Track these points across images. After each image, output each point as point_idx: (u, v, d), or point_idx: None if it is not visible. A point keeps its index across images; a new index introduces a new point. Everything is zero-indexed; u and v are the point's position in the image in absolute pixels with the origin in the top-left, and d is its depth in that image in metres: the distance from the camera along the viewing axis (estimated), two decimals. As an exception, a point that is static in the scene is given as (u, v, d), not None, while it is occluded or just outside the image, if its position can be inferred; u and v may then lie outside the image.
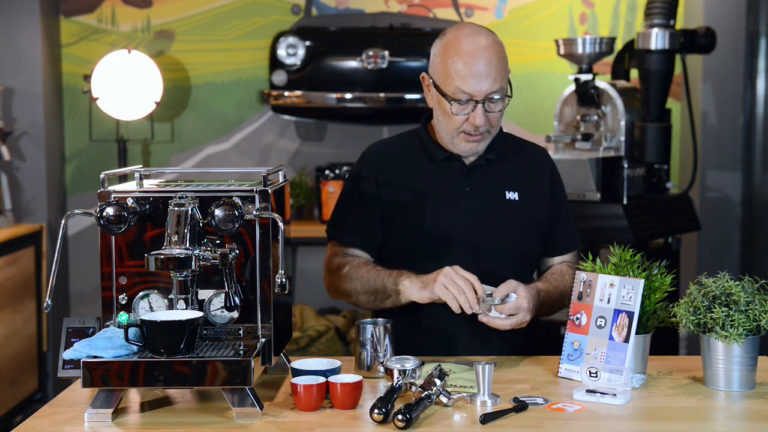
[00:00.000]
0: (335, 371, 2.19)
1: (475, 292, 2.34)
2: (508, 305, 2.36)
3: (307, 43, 4.90)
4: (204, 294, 2.17)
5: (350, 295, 2.58)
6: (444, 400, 2.08)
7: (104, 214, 2.09)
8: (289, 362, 2.31)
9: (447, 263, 2.51)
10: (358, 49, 4.84)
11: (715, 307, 2.17)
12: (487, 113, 2.47)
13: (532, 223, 2.61)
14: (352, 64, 4.87)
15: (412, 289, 2.44)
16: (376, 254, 2.63)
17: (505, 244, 2.57)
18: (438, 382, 2.06)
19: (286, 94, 4.87)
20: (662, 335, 2.41)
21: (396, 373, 2.15)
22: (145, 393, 2.18)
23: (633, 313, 2.23)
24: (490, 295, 2.36)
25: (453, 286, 2.34)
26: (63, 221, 2.12)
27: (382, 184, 2.60)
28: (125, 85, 4.73)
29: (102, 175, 2.21)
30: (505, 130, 2.70)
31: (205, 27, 5.14)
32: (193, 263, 2.06)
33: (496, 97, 2.46)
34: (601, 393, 2.13)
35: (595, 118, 4.13)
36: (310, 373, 2.17)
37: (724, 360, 2.18)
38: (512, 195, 2.59)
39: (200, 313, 2.08)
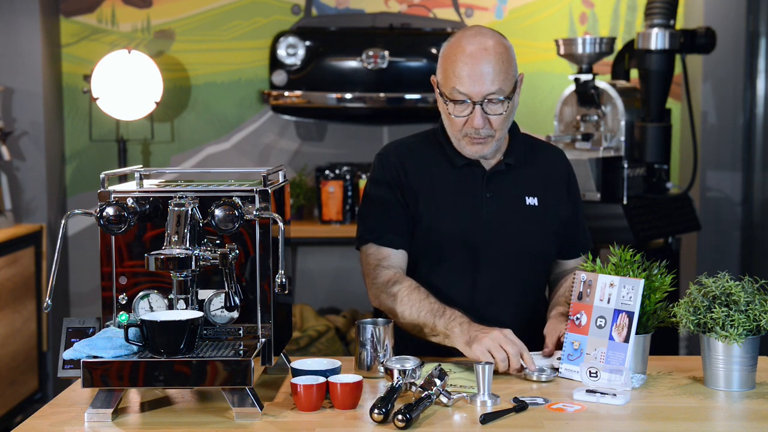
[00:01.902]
0: (335, 371, 2.19)
1: (523, 359, 2.28)
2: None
3: (307, 43, 4.90)
4: (204, 294, 2.17)
5: (396, 317, 2.48)
6: (444, 400, 2.08)
7: (104, 214, 2.09)
8: (289, 362, 2.31)
9: (467, 269, 2.51)
10: (358, 49, 4.84)
11: (715, 307, 2.17)
12: (487, 116, 2.44)
13: (550, 227, 2.59)
14: (352, 64, 4.87)
15: (459, 340, 2.35)
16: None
17: (526, 249, 2.56)
18: (438, 382, 2.06)
19: (286, 94, 4.87)
20: (662, 335, 2.41)
21: (396, 373, 2.15)
22: (145, 393, 2.18)
23: (633, 313, 2.23)
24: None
25: (498, 352, 2.26)
26: (63, 221, 2.12)
27: (405, 187, 2.56)
28: (125, 85, 4.73)
29: (102, 175, 2.21)
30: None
31: (205, 27, 5.15)
32: (193, 263, 2.06)
33: (495, 99, 2.43)
34: (601, 393, 2.12)
35: (595, 118, 4.13)
36: (310, 373, 2.17)
37: (724, 360, 2.18)
38: (532, 200, 2.57)
39: (200, 313, 2.08)
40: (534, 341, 2.52)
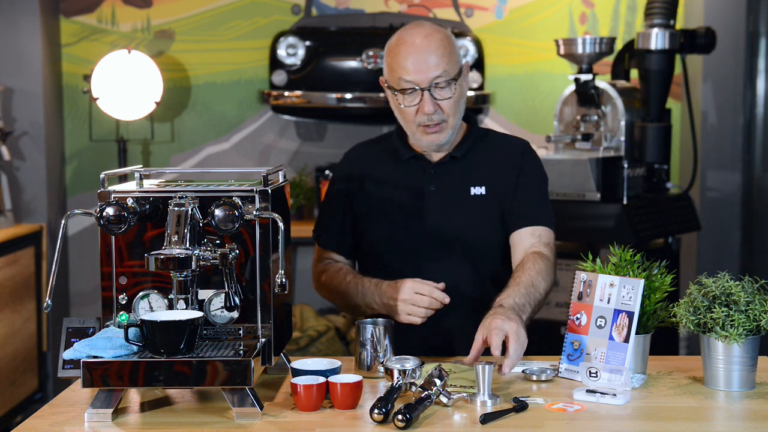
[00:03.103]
0: (335, 371, 2.19)
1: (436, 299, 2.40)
2: (508, 363, 2.20)
3: (307, 43, 4.90)
4: (204, 294, 2.17)
5: (339, 307, 2.69)
6: (444, 400, 2.08)
7: (104, 214, 2.09)
8: (289, 362, 2.31)
9: (417, 263, 2.54)
10: (358, 49, 4.84)
11: (715, 307, 2.17)
12: (437, 101, 2.48)
13: (498, 215, 2.58)
14: (352, 64, 4.87)
15: (383, 311, 2.48)
16: (352, 256, 2.68)
17: (471, 240, 2.56)
18: (438, 382, 2.06)
19: (286, 94, 4.87)
20: (662, 335, 2.41)
21: (396, 373, 2.15)
22: (145, 393, 2.18)
23: (633, 313, 2.23)
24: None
25: (418, 311, 2.40)
26: (63, 221, 2.12)
27: (354, 187, 2.64)
28: (125, 85, 4.73)
29: (102, 175, 2.21)
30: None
31: (205, 27, 5.15)
32: (193, 263, 2.06)
33: (442, 82, 2.47)
34: (601, 393, 2.12)
35: (595, 118, 4.13)
36: (310, 373, 2.17)
37: (724, 360, 2.18)
38: (478, 190, 2.58)
39: (200, 313, 2.08)
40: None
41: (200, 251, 2.09)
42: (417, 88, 2.47)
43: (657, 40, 4.10)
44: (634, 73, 4.37)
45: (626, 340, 2.22)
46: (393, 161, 2.63)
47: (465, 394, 2.12)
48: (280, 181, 2.34)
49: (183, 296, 2.12)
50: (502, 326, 2.19)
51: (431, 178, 2.59)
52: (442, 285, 2.41)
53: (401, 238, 2.58)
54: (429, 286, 2.40)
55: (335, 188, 2.68)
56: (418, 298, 2.40)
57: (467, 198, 2.58)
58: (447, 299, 2.39)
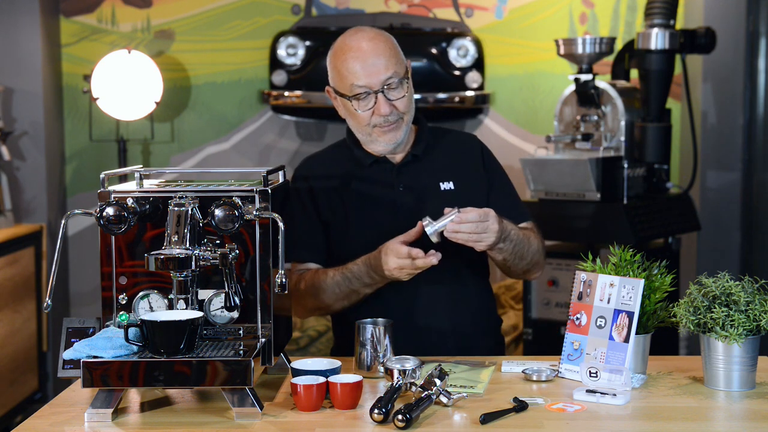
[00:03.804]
0: (335, 371, 2.19)
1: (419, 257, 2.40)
2: (465, 215, 2.34)
3: (307, 43, 4.90)
4: (204, 294, 2.17)
5: (327, 308, 2.58)
6: (444, 400, 2.08)
7: (104, 214, 2.09)
8: (289, 362, 2.31)
9: None
10: (358, 49, 4.84)
11: (715, 307, 2.17)
12: (391, 101, 2.50)
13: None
14: (352, 64, 4.86)
15: (385, 281, 2.45)
16: (328, 264, 2.62)
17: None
18: (438, 382, 2.07)
19: (286, 94, 4.87)
20: (662, 335, 2.41)
21: (396, 373, 2.16)
22: (145, 393, 2.18)
23: (633, 313, 2.23)
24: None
25: (410, 271, 2.38)
26: (63, 221, 2.12)
27: (318, 198, 2.61)
28: (125, 85, 4.73)
29: (102, 175, 2.21)
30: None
31: (205, 27, 5.15)
32: (193, 263, 2.06)
33: (394, 83, 2.49)
34: (601, 393, 2.13)
35: (595, 118, 4.13)
36: (310, 373, 2.17)
37: (724, 360, 2.18)
38: (447, 185, 2.60)
39: (200, 313, 2.08)
40: (478, 329, 2.57)
41: (200, 251, 2.09)
42: (370, 91, 2.49)
43: (657, 40, 4.10)
44: (634, 73, 4.37)
45: (626, 340, 2.22)
46: (355, 168, 2.62)
47: (465, 394, 2.12)
48: (280, 181, 2.34)
49: (183, 296, 2.12)
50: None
51: (399, 179, 2.59)
52: (417, 251, 2.38)
53: (379, 241, 2.52)
54: (402, 251, 2.36)
55: (297, 202, 2.62)
56: (402, 262, 2.38)
57: (438, 193, 2.59)
58: (421, 253, 2.36)
